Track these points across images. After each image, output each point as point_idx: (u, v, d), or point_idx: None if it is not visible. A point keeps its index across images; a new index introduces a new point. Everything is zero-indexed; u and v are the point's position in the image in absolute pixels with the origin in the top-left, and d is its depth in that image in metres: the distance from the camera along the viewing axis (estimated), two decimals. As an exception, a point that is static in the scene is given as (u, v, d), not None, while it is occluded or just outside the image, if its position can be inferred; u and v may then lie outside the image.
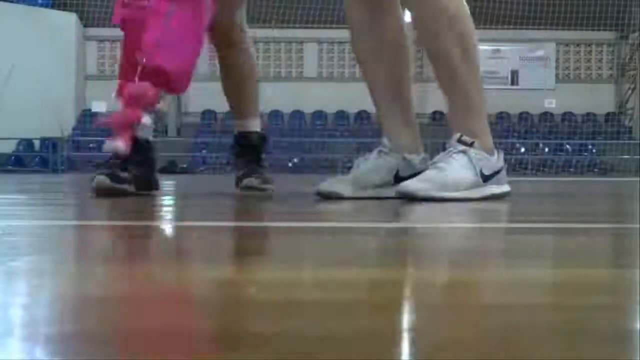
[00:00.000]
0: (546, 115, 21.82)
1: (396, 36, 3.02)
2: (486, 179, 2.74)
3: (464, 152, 2.74)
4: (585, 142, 21.01)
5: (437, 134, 19.43)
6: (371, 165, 2.88)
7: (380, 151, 2.93)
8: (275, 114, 21.73)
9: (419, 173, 2.76)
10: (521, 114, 21.76)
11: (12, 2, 20.04)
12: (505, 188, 2.82)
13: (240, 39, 3.47)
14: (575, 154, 20.79)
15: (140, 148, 3.05)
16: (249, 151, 3.37)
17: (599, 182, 8.50)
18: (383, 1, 2.96)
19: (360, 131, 20.35)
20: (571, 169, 19.77)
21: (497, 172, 2.80)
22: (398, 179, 2.78)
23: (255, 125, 3.42)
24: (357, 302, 0.76)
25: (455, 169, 2.69)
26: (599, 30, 21.58)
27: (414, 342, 0.57)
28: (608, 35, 21.95)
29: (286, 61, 22.20)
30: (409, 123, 3.00)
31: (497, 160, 2.82)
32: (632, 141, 20.48)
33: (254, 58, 3.55)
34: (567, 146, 20.95)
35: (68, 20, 20.79)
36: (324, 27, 19.67)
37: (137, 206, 2.56)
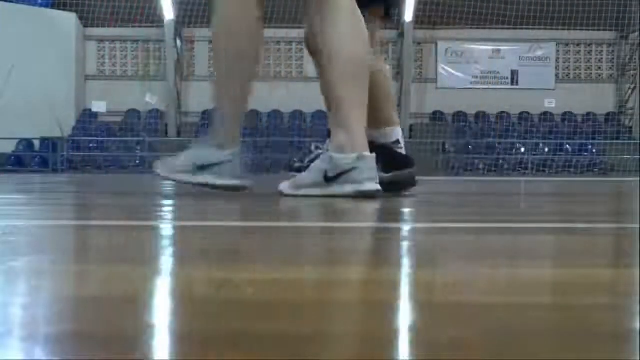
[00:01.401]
0: (546, 115, 21.83)
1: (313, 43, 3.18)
2: (330, 180, 2.92)
3: (317, 156, 3.12)
4: (585, 142, 21.03)
5: (437, 134, 19.46)
6: (311, 167, 3.07)
7: (321, 152, 3.16)
8: (275, 114, 21.74)
9: (345, 172, 2.88)
10: (521, 114, 21.76)
11: (12, 2, 20.04)
12: (349, 188, 2.88)
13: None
14: (575, 154, 20.80)
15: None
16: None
17: (599, 182, 8.50)
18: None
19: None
20: (571, 169, 19.79)
21: (344, 173, 2.90)
22: (327, 178, 2.93)
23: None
24: (354, 301, 0.76)
25: (307, 171, 3.02)
26: (599, 30, 21.58)
27: (412, 342, 0.57)
28: (608, 35, 21.96)
29: (286, 61, 22.21)
30: (340, 123, 3.01)
31: (344, 162, 2.90)
32: (632, 141, 20.50)
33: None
34: (567, 146, 20.96)
35: (68, 20, 20.80)
36: (324, 27, 19.61)
37: (138, 206, 2.57)
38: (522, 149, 20.60)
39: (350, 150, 2.92)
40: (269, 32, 19.77)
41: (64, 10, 20.79)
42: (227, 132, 3.04)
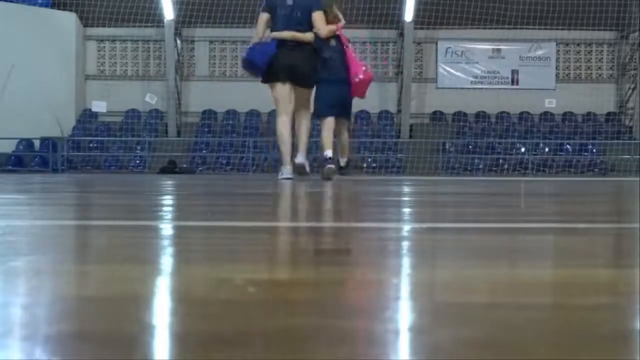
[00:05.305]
0: (546, 115, 21.81)
1: None
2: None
3: None
4: (585, 142, 21.01)
5: (437, 134, 19.44)
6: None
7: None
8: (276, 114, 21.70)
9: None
10: (521, 113, 21.75)
11: (12, 2, 20.04)
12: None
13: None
14: (575, 154, 20.79)
15: None
16: None
17: (599, 182, 8.50)
18: None
19: (359, 131, 20.37)
20: (571, 169, 19.77)
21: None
22: None
23: None
24: (353, 301, 0.76)
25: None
26: (599, 30, 21.57)
27: (413, 342, 0.57)
28: (608, 35, 21.94)
29: (286, 61, 22.14)
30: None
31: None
32: (633, 141, 20.48)
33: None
34: (568, 146, 20.94)
35: (68, 20, 20.78)
36: (324, 27, 19.57)
37: (138, 206, 2.56)
38: (522, 149, 20.58)
39: None
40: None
41: (64, 10, 20.76)
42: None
